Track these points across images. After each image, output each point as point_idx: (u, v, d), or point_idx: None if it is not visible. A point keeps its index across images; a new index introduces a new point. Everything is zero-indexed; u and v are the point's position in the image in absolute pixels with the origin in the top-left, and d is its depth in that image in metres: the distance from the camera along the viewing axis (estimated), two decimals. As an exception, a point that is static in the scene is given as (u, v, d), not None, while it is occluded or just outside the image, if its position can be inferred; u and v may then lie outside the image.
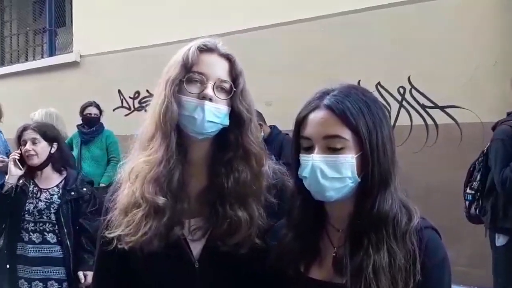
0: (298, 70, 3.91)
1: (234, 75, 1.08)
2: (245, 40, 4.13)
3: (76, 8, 5.82)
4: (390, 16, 3.59)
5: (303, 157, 0.95)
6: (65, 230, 2.34)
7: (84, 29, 5.61)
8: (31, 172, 2.43)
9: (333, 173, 0.91)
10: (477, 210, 2.69)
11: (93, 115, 4.40)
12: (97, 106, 4.44)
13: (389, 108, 3.58)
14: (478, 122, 3.27)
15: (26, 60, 7.02)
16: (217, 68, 1.05)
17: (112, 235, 1.05)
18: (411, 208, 0.94)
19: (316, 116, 0.93)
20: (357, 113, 0.91)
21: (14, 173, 2.38)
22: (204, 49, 1.06)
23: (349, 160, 0.91)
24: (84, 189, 2.43)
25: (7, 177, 2.42)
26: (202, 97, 1.02)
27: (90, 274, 2.29)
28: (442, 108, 3.43)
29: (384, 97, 3.61)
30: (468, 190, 2.73)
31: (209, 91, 1.02)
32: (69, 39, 6.11)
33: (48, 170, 2.44)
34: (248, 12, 4.23)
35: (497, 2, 3.24)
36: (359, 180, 0.92)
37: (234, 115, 1.07)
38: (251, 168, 1.08)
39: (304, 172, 0.93)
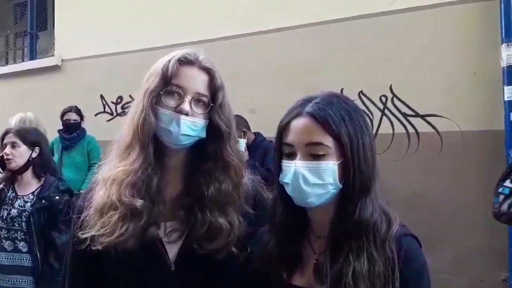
0: (282, 77, 3.93)
1: (214, 88, 1.07)
2: (229, 47, 4.14)
3: (58, 11, 5.74)
4: (372, 26, 3.64)
5: (285, 163, 0.95)
6: (35, 240, 2.27)
7: (66, 33, 5.53)
8: (12, 176, 2.39)
9: (315, 179, 0.91)
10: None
11: (72, 121, 4.32)
12: (77, 112, 4.35)
13: (371, 116, 3.61)
14: (457, 131, 3.32)
15: (7, 63, 6.90)
16: (196, 82, 1.05)
17: (86, 235, 1.04)
18: (390, 216, 0.95)
19: (299, 123, 0.94)
20: (339, 121, 0.92)
21: None
22: (185, 62, 1.05)
23: (331, 167, 0.91)
24: (57, 197, 2.34)
25: None
26: (179, 111, 1.02)
27: None
28: (423, 117, 3.49)
29: (367, 105, 3.64)
30: (507, 183, 2.46)
31: (185, 106, 1.03)
32: (51, 42, 6.02)
33: (28, 175, 2.39)
34: (232, 19, 4.24)
35: (476, 13, 3.31)
36: (341, 186, 0.93)
37: (213, 128, 1.08)
38: (231, 179, 1.09)
39: (286, 178, 0.94)
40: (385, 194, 1.00)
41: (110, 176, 1.05)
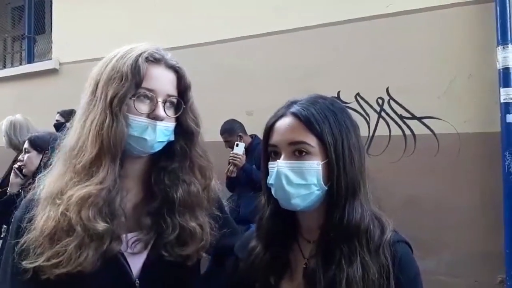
0: (279, 80, 3.93)
1: (183, 88, 1.01)
2: (227, 50, 4.14)
3: (56, 15, 5.74)
4: (369, 29, 3.65)
5: (271, 164, 0.95)
6: None
7: (64, 36, 5.53)
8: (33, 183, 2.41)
9: (298, 179, 0.90)
10: None
11: (55, 122, 4.28)
12: (63, 113, 4.29)
13: (368, 119, 3.62)
14: (454, 133, 3.33)
15: (4, 67, 6.89)
16: (165, 82, 0.98)
17: (32, 265, 0.88)
18: (383, 221, 0.94)
19: (283, 123, 0.95)
20: (322, 120, 0.92)
21: (14, 181, 2.40)
22: (152, 61, 0.97)
23: (314, 167, 0.90)
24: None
25: (9, 186, 2.44)
26: (153, 117, 0.94)
27: None
28: (419, 119, 3.49)
29: (363, 107, 3.65)
30: None
31: (160, 111, 0.95)
32: (48, 46, 6.02)
33: None
34: (230, 22, 4.24)
35: (471, 16, 3.32)
36: (326, 188, 0.91)
37: (182, 129, 1.02)
38: (199, 180, 1.04)
39: (271, 179, 0.93)
40: (381, 196, 0.99)
41: (69, 194, 0.90)
